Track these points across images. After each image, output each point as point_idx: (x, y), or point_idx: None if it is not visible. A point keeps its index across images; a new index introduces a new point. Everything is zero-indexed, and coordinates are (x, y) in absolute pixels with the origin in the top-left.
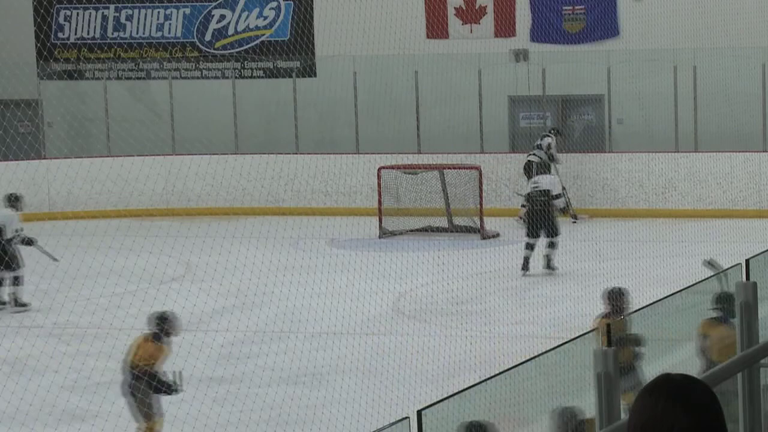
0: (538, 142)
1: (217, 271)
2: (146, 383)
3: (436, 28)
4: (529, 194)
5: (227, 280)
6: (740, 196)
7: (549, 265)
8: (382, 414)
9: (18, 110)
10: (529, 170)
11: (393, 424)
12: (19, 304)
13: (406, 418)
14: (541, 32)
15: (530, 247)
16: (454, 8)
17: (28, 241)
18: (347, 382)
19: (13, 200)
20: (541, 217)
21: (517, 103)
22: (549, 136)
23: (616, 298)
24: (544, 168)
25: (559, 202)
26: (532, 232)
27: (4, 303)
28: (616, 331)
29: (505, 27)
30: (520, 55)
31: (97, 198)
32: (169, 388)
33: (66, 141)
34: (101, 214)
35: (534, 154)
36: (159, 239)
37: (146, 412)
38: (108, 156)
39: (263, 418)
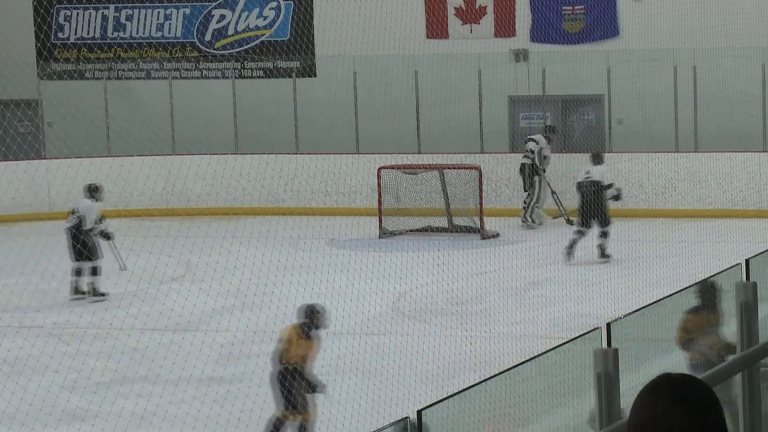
0: (525, 146)
1: (217, 271)
2: (297, 379)
3: (436, 28)
4: (579, 183)
5: (227, 280)
6: (740, 196)
7: (603, 254)
8: (382, 414)
9: (18, 110)
10: (522, 173)
11: (393, 424)
12: (97, 294)
13: (406, 418)
14: (541, 32)
15: (581, 234)
16: (454, 8)
17: (106, 235)
18: (347, 382)
19: (93, 191)
20: (593, 206)
21: (517, 103)
22: (532, 140)
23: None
24: (535, 171)
25: (611, 191)
26: (585, 222)
27: (83, 293)
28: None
29: (505, 27)
30: (520, 55)
31: None
32: (314, 389)
33: (66, 141)
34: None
35: (527, 156)
36: (159, 239)
37: (300, 404)
38: (108, 156)
39: (263, 418)
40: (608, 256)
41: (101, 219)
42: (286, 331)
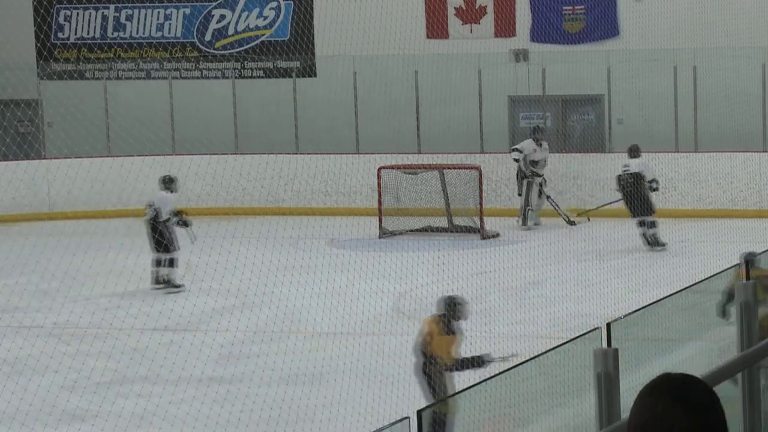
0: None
1: (217, 271)
2: (440, 371)
3: (436, 28)
4: (619, 177)
5: (227, 280)
6: (740, 196)
7: (658, 243)
8: (382, 414)
9: (18, 110)
10: (517, 178)
11: (393, 424)
12: (172, 286)
13: (406, 418)
14: (541, 32)
15: (642, 224)
16: (454, 8)
17: (184, 223)
18: (347, 382)
19: (168, 182)
20: (635, 198)
21: (517, 103)
22: (516, 149)
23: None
24: (524, 176)
25: (652, 184)
26: (637, 212)
27: (163, 283)
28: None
29: (505, 27)
30: (520, 55)
31: (97, 198)
32: (482, 363)
33: (66, 141)
34: (101, 214)
35: (516, 161)
36: None
37: (443, 396)
38: (108, 156)
39: (263, 418)
40: (664, 244)
41: (175, 212)
42: (427, 323)
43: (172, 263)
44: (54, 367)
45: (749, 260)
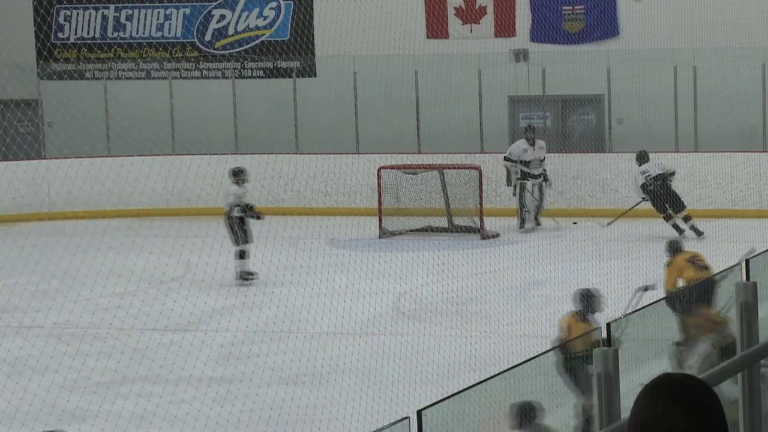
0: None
1: (217, 271)
2: (582, 366)
3: (436, 28)
4: (644, 186)
5: (227, 280)
6: (740, 196)
7: (697, 231)
8: (382, 414)
9: (18, 110)
10: (507, 180)
11: (393, 424)
12: (242, 278)
13: (406, 418)
14: (541, 32)
15: (678, 221)
16: (454, 8)
17: (253, 215)
18: (347, 382)
19: (235, 174)
20: (664, 197)
21: (517, 103)
22: (506, 158)
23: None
24: (512, 179)
25: (672, 177)
26: (666, 209)
27: (250, 274)
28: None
29: (505, 27)
30: (520, 55)
31: (97, 198)
32: None
33: (66, 141)
34: (101, 214)
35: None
36: (159, 239)
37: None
38: (108, 156)
39: (263, 418)
40: (701, 232)
41: (238, 205)
42: (565, 319)
43: (240, 255)
44: (54, 367)
45: (748, 259)
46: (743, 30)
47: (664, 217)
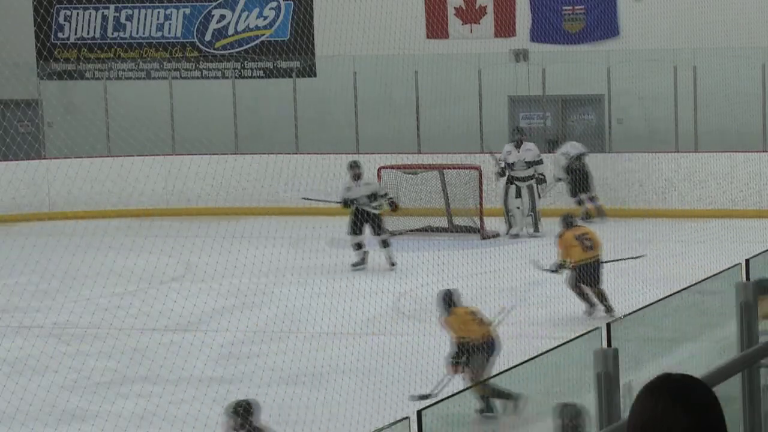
0: None
1: (217, 271)
2: None
3: (436, 28)
4: (567, 166)
5: (227, 280)
6: (740, 196)
7: (601, 212)
8: (382, 414)
9: (18, 110)
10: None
11: (393, 424)
12: (353, 265)
13: (406, 418)
14: (541, 32)
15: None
16: (454, 8)
17: (392, 204)
18: (347, 382)
19: (349, 168)
20: (584, 176)
21: (517, 103)
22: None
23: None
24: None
25: (585, 158)
26: (580, 189)
27: (392, 264)
28: None
29: (505, 27)
30: (520, 55)
31: (97, 198)
32: None
33: (66, 141)
34: (101, 214)
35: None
36: (159, 239)
37: None
38: (108, 156)
39: (263, 418)
40: (605, 214)
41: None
42: None
43: (357, 246)
44: (54, 367)
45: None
46: (743, 30)
47: (576, 201)
